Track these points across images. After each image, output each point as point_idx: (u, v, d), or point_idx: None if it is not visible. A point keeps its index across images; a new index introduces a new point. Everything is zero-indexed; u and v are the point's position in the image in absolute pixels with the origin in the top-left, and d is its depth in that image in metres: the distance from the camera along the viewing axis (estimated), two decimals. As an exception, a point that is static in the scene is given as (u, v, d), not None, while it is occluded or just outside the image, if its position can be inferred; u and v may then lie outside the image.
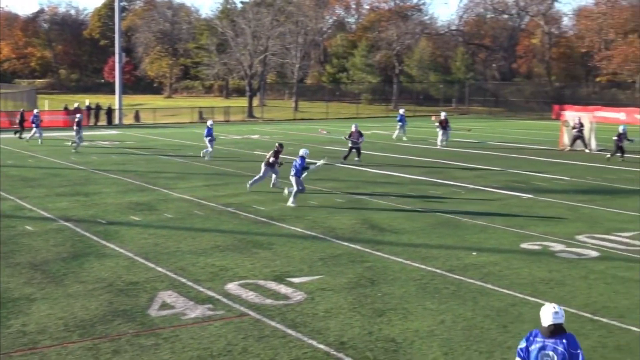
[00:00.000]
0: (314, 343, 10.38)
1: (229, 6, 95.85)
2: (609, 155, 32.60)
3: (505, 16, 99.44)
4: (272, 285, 13.14)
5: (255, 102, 78.60)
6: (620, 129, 33.05)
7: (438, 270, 14.11)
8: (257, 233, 17.54)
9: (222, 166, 30.57)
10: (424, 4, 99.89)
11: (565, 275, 13.74)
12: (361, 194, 23.13)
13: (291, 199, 21.31)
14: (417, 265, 14.54)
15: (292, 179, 21.49)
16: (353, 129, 33.03)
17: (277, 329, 10.91)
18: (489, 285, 13.12)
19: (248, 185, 23.77)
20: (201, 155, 33.52)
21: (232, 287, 13.00)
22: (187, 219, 19.29)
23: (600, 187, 24.99)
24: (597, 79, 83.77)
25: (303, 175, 21.71)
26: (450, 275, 13.81)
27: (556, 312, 7.08)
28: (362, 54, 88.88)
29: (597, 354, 9.95)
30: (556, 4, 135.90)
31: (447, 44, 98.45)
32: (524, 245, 16.26)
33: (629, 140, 32.61)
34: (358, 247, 16.09)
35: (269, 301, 12.21)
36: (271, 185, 23.78)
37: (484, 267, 14.40)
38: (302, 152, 22.15)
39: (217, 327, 10.99)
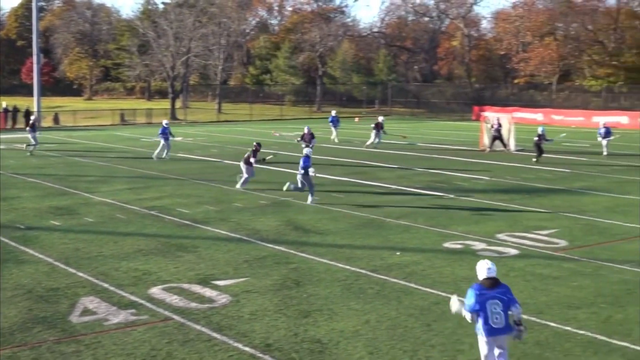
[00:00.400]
0: (240, 346, 10.35)
1: (150, 7, 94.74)
2: (535, 160, 32.59)
3: (426, 19, 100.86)
4: (197, 288, 13.04)
5: (178, 104, 77.83)
6: (540, 130, 33.63)
7: (362, 271, 14.22)
8: (181, 236, 17.38)
9: (145, 169, 30.19)
10: (346, 6, 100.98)
11: (486, 273, 13.98)
12: (285, 196, 23.14)
13: (309, 198, 22.00)
14: (341, 265, 14.62)
15: (299, 177, 22.18)
16: (305, 130, 33.28)
17: (202, 333, 10.84)
18: (413, 285, 13.28)
19: (239, 187, 24.40)
20: (154, 158, 33.62)
21: (155, 291, 12.85)
22: (109, 223, 18.99)
23: (519, 187, 25.55)
24: (515, 81, 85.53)
25: (311, 173, 22.08)
26: (375, 275, 13.93)
27: (489, 268, 8.77)
28: (285, 56, 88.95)
29: (518, 350, 10.17)
30: (475, 7, 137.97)
31: (369, 46, 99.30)
32: (447, 245, 16.51)
33: (547, 140, 33.34)
34: (283, 248, 16.09)
35: (193, 305, 12.11)
36: (238, 186, 24.50)
37: (408, 266, 14.57)
38: (306, 151, 22.65)
39: (141, 332, 10.85)
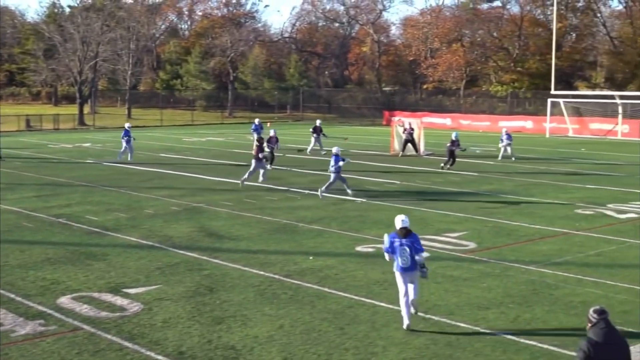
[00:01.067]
0: (152, 354, 10.20)
1: (56, 10, 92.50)
2: (445, 165, 31.92)
3: (337, 24, 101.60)
4: (108, 297, 12.81)
5: (87, 109, 76.37)
6: (453, 135, 32.93)
7: (276, 276, 14.21)
8: (91, 244, 17.04)
9: (52, 176, 29.48)
10: (257, 11, 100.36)
11: (398, 276, 14.16)
12: (198, 202, 22.94)
13: (349, 191, 23.99)
14: (255, 271, 14.58)
15: (333, 176, 24.15)
16: (272, 133, 33.33)
17: (114, 342, 10.64)
18: (326, 289, 13.35)
19: (241, 182, 25.89)
20: (118, 158, 34.40)
21: (64, 300, 12.56)
22: (15, 231, 18.47)
23: (429, 190, 25.97)
24: (424, 86, 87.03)
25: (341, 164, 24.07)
26: (288, 280, 13.94)
27: (403, 220, 11.43)
28: (196, 61, 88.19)
29: (430, 351, 10.34)
30: (385, 14, 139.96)
31: (280, 51, 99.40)
32: (359, 249, 16.65)
33: (459, 147, 32.45)
34: (196, 255, 15.95)
35: (104, 314, 11.88)
36: (260, 181, 26.68)
37: (321, 271, 14.63)
38: (335, 150, 24.59)
39: (50, 343, 10.58)
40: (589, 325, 7.40)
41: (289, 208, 22.03)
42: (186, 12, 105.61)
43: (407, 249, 11.24)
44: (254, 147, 26.86)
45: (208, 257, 15.79)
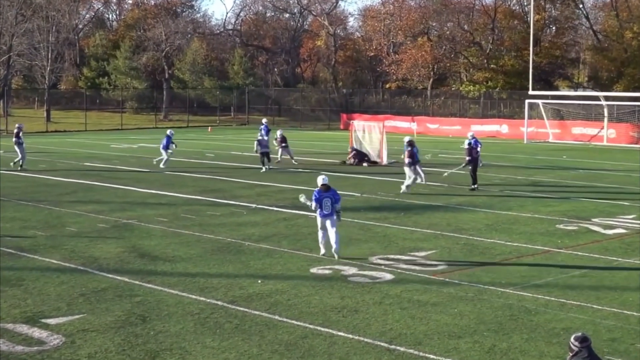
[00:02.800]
0: (76, 395, 10.07)
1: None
2: (473, 184, 29.60)
3: (287, 15, 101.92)
4: (24, 328, 12.63)
5: (-2, 111, 75.42)
6: (469, 137, 32.42)
7: (219, 302, 14.15)
8: (4, 267, 16.80)
9: (-43, 188, 29.01)
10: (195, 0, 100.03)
11: (359, 302, 14.21)
12: (128, 218, 22.76)
13: (405, 185, 28.34)
14: (195, 297, 14.50)
15: (407, 170, 28.58)
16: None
17: (31, 381, 10.49)
18: (277, 317, 13.32)
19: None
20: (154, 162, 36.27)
21: (-27, 333, 12.35)
22: None
23: (393, 204, 26.10)
24: (387, 86, 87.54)
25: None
26: (233, 307, 13.88)
27: (324, 178, 17.86)
28: (125, 56, 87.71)
29: (395, 387, 10.35)
30: (341, 4, 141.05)
31: (223, 45, 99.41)
32: (314, 270, 16.65)
33: (476, 155, 30.56)
34: (126, 279, 15.81)
35: (19, 348, 11.72)
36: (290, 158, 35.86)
37: (271, 296, 14.60)
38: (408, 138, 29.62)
39: (-44, 383, 10.39)
40: (570, 354, 7.49)
41: (234, 224, 21.97)
42: (114, 0, 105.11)
43: (329, 200, 17.47)
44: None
45: (140, 281, 15.66)
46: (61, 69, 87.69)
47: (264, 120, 44.57)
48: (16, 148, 35.48)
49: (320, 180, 17.75)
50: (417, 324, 13.05)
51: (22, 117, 76.83)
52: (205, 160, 40.17)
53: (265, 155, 35.67)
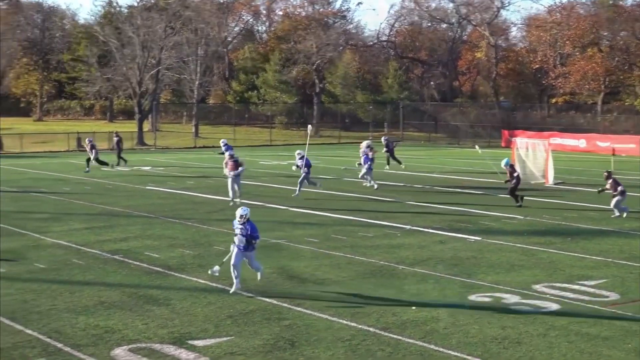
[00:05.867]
0: (223, 420, 10.27)
1: (112, 10, 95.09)
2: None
3: (444, 25, 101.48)
4: (170, 349, 12.98)
5: (147, 126, 77.96)
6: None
7: (371, 329, 14.17)
8: (151, 286, 17.33)
9: (106, 204, 30.17)
10: (348, 10, 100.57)
11: (522, 333, 13.97)
12: (277, 237, 23.10)
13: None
14: (345, 322, 14.57)
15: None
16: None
17: (178, 404, 10.76)
18: (432, 346, 13.23)
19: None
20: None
21: (120, 352, 12.79)
22: (64, 269, 18.94)
23: (560, 228, 25.55)
24: (553, 100, 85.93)
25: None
26: (386, 334, 13.88)
27: (244, 209, 16.96)
28: (275, 69, 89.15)
29: None
30: (503, 12, 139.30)
31: (376, 57, 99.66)
32: (472, 297, 16.48)
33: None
34: (274, 301, 16.04)
35: (166, 369, 12.04)
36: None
37: (426, 323, 14.52)
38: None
39: (103, 403, 10.77)
40: None
41: (387, 246, 21.98)
42: (264, 12, 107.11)
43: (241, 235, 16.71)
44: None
45: (289, 304, 15.85)
46: (210, 83, 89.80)
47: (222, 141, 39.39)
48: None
49: (240, 212, 16.80)
50: (586, 358, 12.72)
51: (170, 132, 79.36)
52: (351, 179, 40.26)
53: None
